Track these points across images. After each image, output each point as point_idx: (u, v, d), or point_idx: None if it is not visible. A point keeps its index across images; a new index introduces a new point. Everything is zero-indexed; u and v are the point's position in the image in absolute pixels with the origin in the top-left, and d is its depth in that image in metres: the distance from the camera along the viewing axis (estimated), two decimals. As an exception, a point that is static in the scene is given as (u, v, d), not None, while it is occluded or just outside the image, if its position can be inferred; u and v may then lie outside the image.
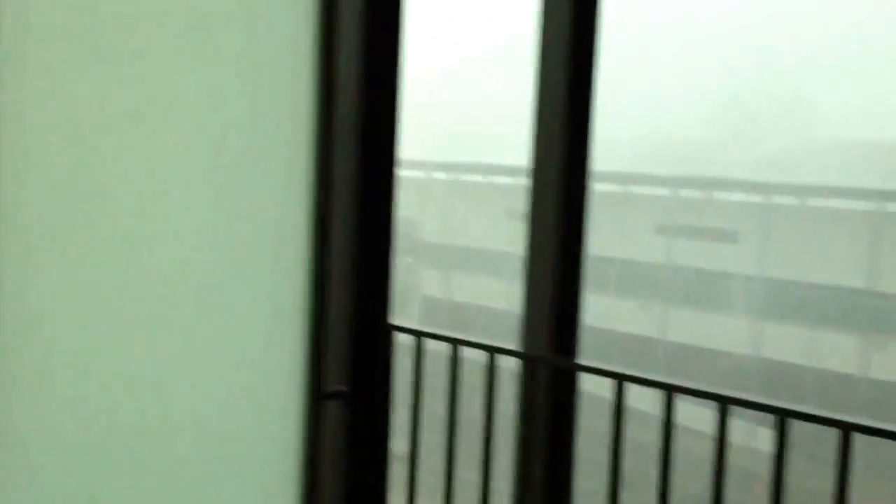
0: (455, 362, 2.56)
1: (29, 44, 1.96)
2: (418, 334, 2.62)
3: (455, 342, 2.54)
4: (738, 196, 24.54)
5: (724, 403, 2.04)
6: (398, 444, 2.79)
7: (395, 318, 2.72)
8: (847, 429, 1.82)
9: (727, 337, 24.18)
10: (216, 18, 2.20)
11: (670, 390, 2.14)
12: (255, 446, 2.35)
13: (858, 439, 1.83)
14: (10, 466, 2.01)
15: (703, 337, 24.56)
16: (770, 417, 1.90)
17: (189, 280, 2.22)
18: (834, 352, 22.60)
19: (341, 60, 2.54)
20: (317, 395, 2.44)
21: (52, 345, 2.05)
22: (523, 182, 2.70)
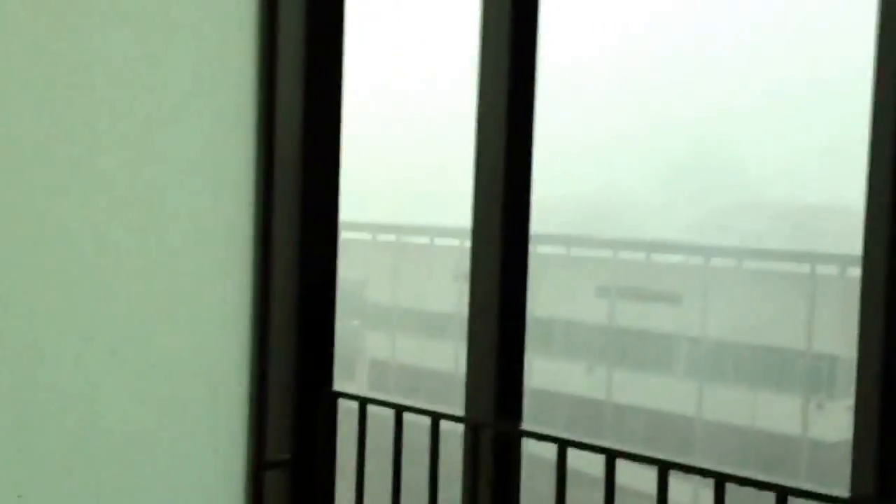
0: (399, 427, 2.56)
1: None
2: (362, 400, 2.61)
3: (399, 408, 2.53)
4: (677, 258, 25.02)
5: (665, 468, 2.06)
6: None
7: (343, 382, 2.71)
8: (782, 492, 1.85)
9: (670, 398, 24.41)
10: (157, 88, 2.21)
11: (612, 455, 2.16)
12: (194, 517, 2.31)
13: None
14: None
15: (646, 398, 24.76)
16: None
17: (129, 349, 2.19)
18: (774, 412, 22.93)
19: (281, 123, 2.56)
20: (259, 465, 2.41)
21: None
22: (468, 244, 2.74)
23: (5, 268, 2.03)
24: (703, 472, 1.93)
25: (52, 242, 2.09)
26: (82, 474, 2.15)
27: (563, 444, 2.24)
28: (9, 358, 2.05)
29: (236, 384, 2.37)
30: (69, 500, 2.13)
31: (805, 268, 23.26)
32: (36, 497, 2.08)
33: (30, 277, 2.06)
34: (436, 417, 2.46)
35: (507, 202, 2.63)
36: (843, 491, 1.89)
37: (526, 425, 2.42)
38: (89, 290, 2.14)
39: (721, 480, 1.89)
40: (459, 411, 2.56)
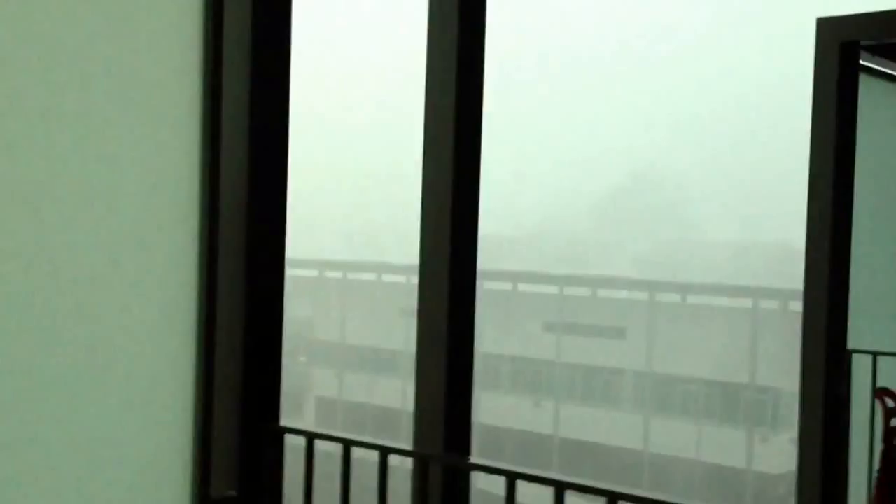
0: (347, 462, 2.53)
1: None
2: (309, 435, 2.58)
3: (347, 442, 2.51)
4: (622, 294, 25.28)
5: (614, 499, 2.07)
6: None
7: (289, 419, 2.69)
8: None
9: (617, 432, 24.54)
10: (102, 123, 2.19)
11: (560, 486, 2.16)
12: (136, 558, 2.25)
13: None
14: None
15: (594, 432, 24.86)
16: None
17: (65, 385, 2.14)
18: (720, 445, 23.17)
19: (226, 159, 2.55)
20: (204, 502, 2.36)
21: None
22: (415, 281, 2.75)
23: (-59, 302, 1.98)
24: (649, 502, 1.93)
25: (-9, 276, 2.04)
26: (20, 515, 2.09)
27: (511, 477, 2.24)
28: (-56, 395, 1.99)
29: (180, 419, 2.33)
30: (5, 543, 2.07)
31: (748, 302, 23.68)
32: (-30, 539, 2.02)
33: (-33, 312, 2.01)
34: (384, 451, 2.45)
35: (455, 237, 2.64)
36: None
37: (474, 460, 2.41)
38: (23, 320, 2.10)
39: (669, 510, 1.90)
40: (407, 446, 2.55)
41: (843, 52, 2.82)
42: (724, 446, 23.60)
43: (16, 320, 2.07)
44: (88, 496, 2.19)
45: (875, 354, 2.86)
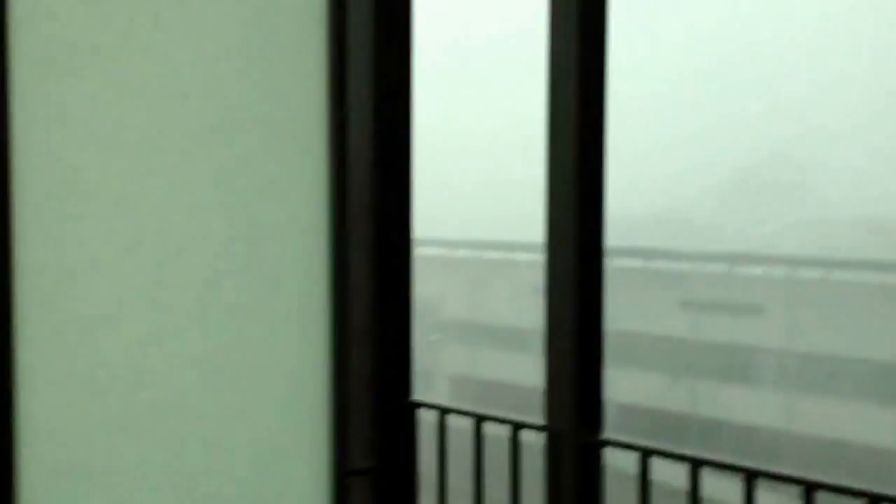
0: (479, 437, 2.56)
1: (46, 62, 2.03)
2: (441, 410, 2.62)
3: (479, 417, 2.54)
4: (759, 270, 24.45)
5: (751, 476, 2.02)
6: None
7: (423, 396, 2.73)
8: (875, 500, 1.80)
9: (757, 411, 23.85)
10: (233, 121, 2.27)
11: (696, 464, 2.13)
12: (279, 526, 2.34)
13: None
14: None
15: (732, 411, 24.25)
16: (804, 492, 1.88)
17: (210, 360, 2.24)
18: (866, 424, 22.21)
19: (353, 140, 2.60)
20: (342, 473, 2.44)
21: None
22: (543, 258, 2.73)
23: (86, 278, 2.10)
24: (792, 480, 1.88)
25: (136, 250, 2.15)
26: (167, 483, 2.20)
27: (645, 454, 2.22)
28: (85, 369, 2.11)
29: (318, 398, 2.41)
30: (160, 508, 2.18)
31: (890, 277, 22.54)
32: (128, 505, 2.14)
33: (115, 292, 2.13)
34: (516, 427, 2.46)
35: (581, 212, 2.62)
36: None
37: (607, 436, 2.40)
38: (172, 303, 2.20)
39: (810, 488, 1.84)
40: (540, 423, 2.55)
41: None
42: (871, 426, 22.60)
43: (178, 311, 2.18)
44: (234, 468, 2.29)
45: None
